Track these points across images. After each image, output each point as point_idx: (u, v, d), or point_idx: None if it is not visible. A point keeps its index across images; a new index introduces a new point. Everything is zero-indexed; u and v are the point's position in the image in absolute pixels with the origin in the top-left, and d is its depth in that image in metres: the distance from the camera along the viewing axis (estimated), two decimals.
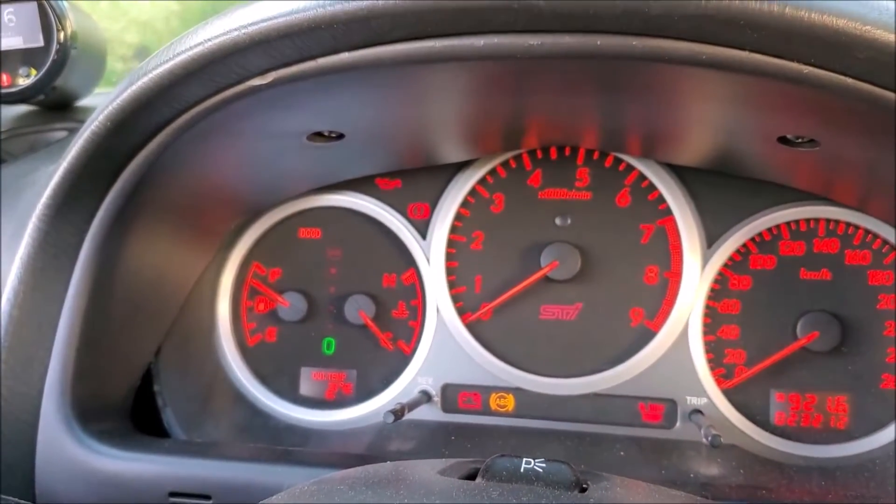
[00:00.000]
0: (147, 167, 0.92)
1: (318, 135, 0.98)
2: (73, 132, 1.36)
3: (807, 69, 0.70)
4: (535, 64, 0.75)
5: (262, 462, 0.94)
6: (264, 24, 0.74)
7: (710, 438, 1.02)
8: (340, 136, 0.99)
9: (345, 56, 0.75)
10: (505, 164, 1.21)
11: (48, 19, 1.23)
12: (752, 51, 0.69)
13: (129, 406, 1.09)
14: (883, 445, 1.11)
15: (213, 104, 0.83)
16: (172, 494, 0.92)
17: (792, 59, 0.69)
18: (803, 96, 0.74)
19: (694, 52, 0.70)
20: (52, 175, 0.92)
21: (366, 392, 1.25)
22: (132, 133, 0.88)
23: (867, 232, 1.13)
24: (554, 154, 1.20)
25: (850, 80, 0.70)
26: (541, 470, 0.70)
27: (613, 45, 0.70)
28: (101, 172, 0.92)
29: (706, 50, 0.70)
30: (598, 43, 0.70)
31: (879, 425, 1.12)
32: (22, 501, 0.81)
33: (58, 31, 1.23)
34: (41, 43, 1.25)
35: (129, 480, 0.93)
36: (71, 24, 1.25)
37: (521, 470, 0.70)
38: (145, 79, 0.82)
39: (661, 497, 0.75)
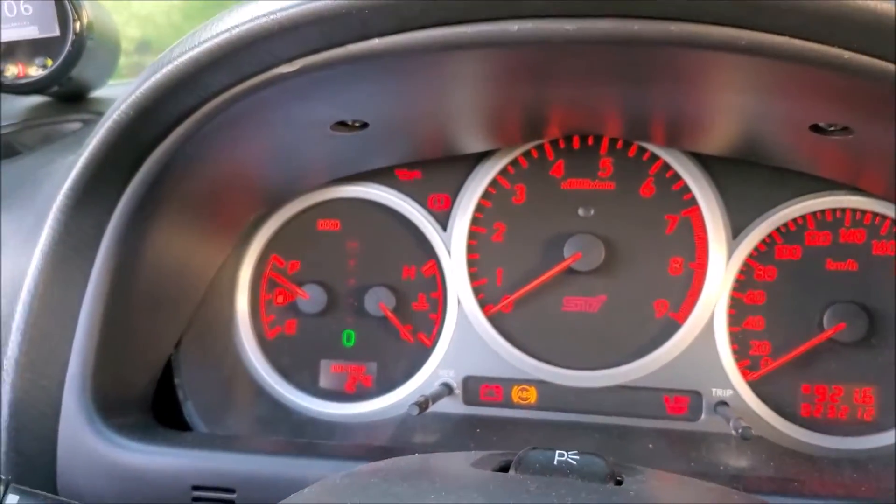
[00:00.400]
0: (169, 157, 0.90)
1: (342, 124, 0.97)
2: (87, 123, 1.36)
3: (848, 55, 0.68)
4: (570, 50, 0.74)
5: (287, 455, 0.93)
6: (293, 9, 0.73)
7: (740, 430, 1.01)
8: (364, 126, 0.98)
9: (374, 42, 0.74)
10: (526, 154, 1.19)
11: (65, 9, 1.22)
12: (792, 36, 0.68)
13: (150, 399, 1.08)
14: None
15: (238, 92, 0.82)
16: (196, 488, 0.91)
17: (833, 45, 0.68)
18: (841, 83, 0.73)
19: (733, 38, 0.68)
20: (71, 166, 0.91)
21: (386, 385, 1.24)
22: (155, 122, 0.87)
23: (894, 222, 1.11)
24: (576, 144, 1.18)
25: (892, 66, 0.68)
26: (574, 462, 0.69)
27: (651, 30, 0.69)
28: (123, 162, 0.91)
29: (745, 35, 0.68)
30: (636, 28, 0.69)
31: None
32: (63, 499, 0.80)
33: (74, 20, 1.23)
34: (57, 33, 1.24)
35: (152, 474, 0.92)
36: (87, 15, 1.24)
37: (555, 462, 0.69)
38: (170, 66, 0.81)
39: (697, 490, 0.74)
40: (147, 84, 0.82)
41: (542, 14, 0.70)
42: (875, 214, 1.12)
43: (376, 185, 1.23)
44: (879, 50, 0.68)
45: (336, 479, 0.71)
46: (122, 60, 1.48)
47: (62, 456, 0.94)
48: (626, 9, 0.68)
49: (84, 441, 0.94)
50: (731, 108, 0.94)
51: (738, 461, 1.07)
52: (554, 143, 1.19)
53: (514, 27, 0.71)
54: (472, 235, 1.21)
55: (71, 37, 1.23)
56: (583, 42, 0.71)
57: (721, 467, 1.05)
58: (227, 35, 0.76)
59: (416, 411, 1.06)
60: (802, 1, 0.65)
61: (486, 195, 1.20)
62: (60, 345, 0.95)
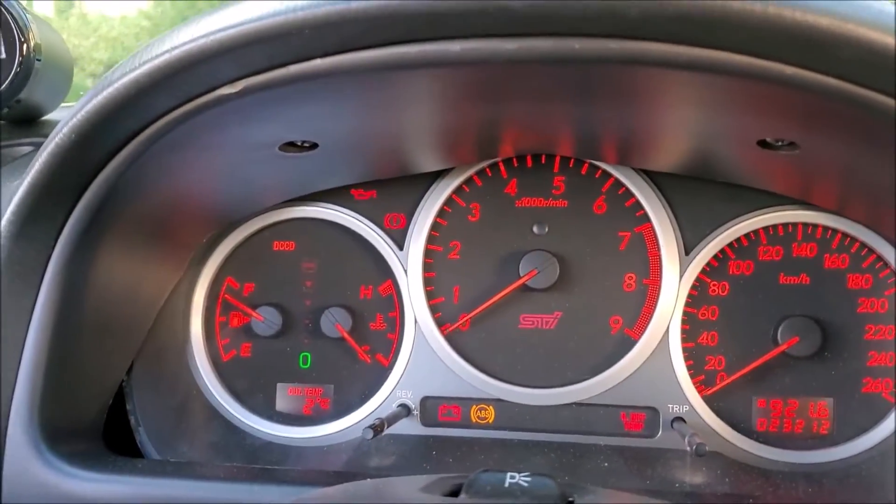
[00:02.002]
0: (114, 181, 0.89)
1: (292, 145, 0.96)
2: (38, 147, 1.33)
3: (790, 69, 0.69)
4: (512, 69, 0.74)
5: (239, 482, 0.91)
6: (233, 30, 0.72)
7: (694, 447, 1.01)
8: (314, 146, 0.97)
9: (317, 63, 0.73)
10: (481, 173, 1.19)
11: (10, 31, 1.20)
12: (731, 51, 0.68)
13: (101, 426, 1.05)
14: (867, 449, 1.11)
15: (181, 114, 0.81)
16: None
17: (775, 60, 0.68)
18: (786, 98, 0.73)
19: (673, 54, 0.69)
20: (15, 191, 0.89)
21: (344, 407, 1.22)
22: (98, 146, 0.85)
23: (845, 235, 1.13)
24: (530, 162, 1.19)
25: (833, 81, 0.69)
26: (525, 484, 0.69)
27: (591, 48, 0.69)
28: (67, 187, 0.89)
29: (686, 52, 0.69)
30: (576, 46, 0.69)
31: (862, 430, 1.12)
32: None
33: (21, 42, 1.20)
34: (2, 55, 1.22)
35: (102, 503, 0.90)
36: (34, 36, 1.22)
37: (506, 485, 0.69)
38: (110, 89, 0.79)
39: None
40: (88, 107, 0.81)
41: (483, 34, 0.69)
42: (826, 228, 1.13)
43: (332, 205, 1.23)
44: (820, 65, 0.68)
45: None
46: (90, 83, 1.46)
47: (8, 486, 0.92)
48: (565, 27, 0.68)
49: (31, 471, 0.92)
50: (678, 125, 0.94)
51: (694, 477, 1.07)
52: (508, 161, 1.19)
53: (456, 47, 0.70)
54: (428, 254, 1.21)
55: (17, 59, 1.21)
56: (525, 61, 0.71)
57: (676, 484, 1.04)
58: (166, 56, 0.75)
59: (370, 435, 1.05)
60: (741, 17, 0.66)
61: (441, 214, 1.20)
62: (6, 373, 0.93)
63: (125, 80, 0.78)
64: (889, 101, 0.69)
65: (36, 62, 1.23)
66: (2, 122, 1.38)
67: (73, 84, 1.46)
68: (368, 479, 0.79)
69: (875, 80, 0.68)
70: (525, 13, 0.67)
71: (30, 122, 1.40)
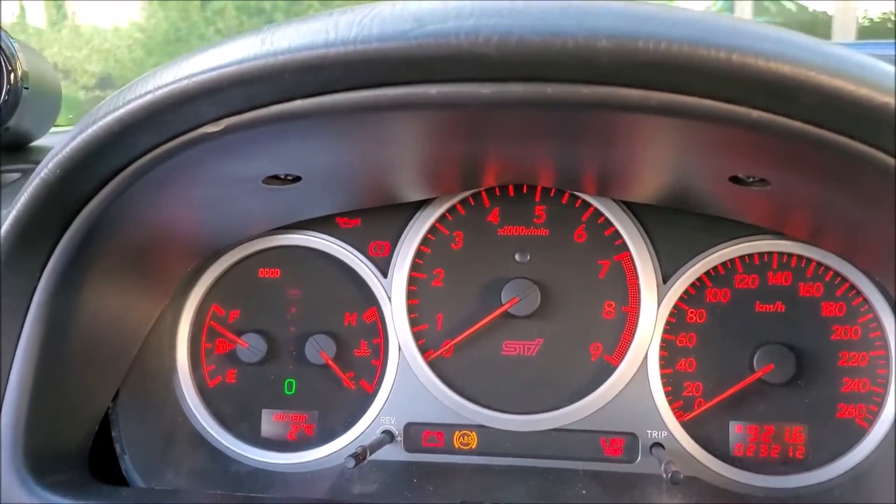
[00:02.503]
0: (99, 214, 0.90)
1: (275, 178, 0.98)
2: (25, 174, 1.34)
3: (756, 114, 0.71)
4: (489, 111, 0.76)
5: None
6: (215, 72, 0.73)
7: (670, 475, 1.03)
8: (297, 179, 0.99)
9: (297, 104, 0.75)
10: (464, 202, 1.21)
11: None
12: (701, 96, 0.71)
13: (87, 454, 1.06)
14: (840, 475, 1.13)
15: (164, 152, 0.82)
16: None
17: (741, 104, 0.70)
18: (753, 140, 0.76)
19: (643, 99, 0.71)
20: (1, 221, 0.90)
21: (328, 433, 1.24)
22: (83, 181, 0.86)
23: (819, 264, 1.15)
24: (512, 192, 1.20)
25: (797, 124, 0.71)
26: None
27: (563, 92, 0.71)
28: (52, 221, 0.90)
29: (655, 97, 0.71)
30: (549, 91, 0.71)
31: (837, 455, 1.14)
32: None
33: (8, 71, 1.22)
34: None
35: None
36: (21, 65, 1.23)
37: None
38: (94, 127, 0.81)
39: None
40: (73, 144, 0.82)
41: (460, 78, 0.71)
42: (801, 258, 1.16)
43: (317, 233, 1.24)
44: (784, 109, 0.71)
45: None
46: (83, 95, 1.48)
47: None
48: (538, 73, 0.70)
49: (16, 500, 0.93)
50: (653, 162, 0.97)
51: (671, 502, 1.09)
52: (490, 191, 1.21)
53: (432, 90, 0.72)
54: (412, 281, 1.22)
55: (5, 87, 1.22)
56: (500, 105, 0.73)
57: None
58: (150, 97, 0.77)
59: (352, 464, 1.06)
60: (707, 64, 0.68)
61: (425, 242, 1.22)
62: None
63: (109, 118, 0.80)
64: (855, 143, 0.72)
65: (24, 90, 1.24)
66: None
67: (64, 96, 1.48)
68: None
69: (838, 124, 0.70)
70: (500, 59, 0.68)
71: (18, 148, 1.42)
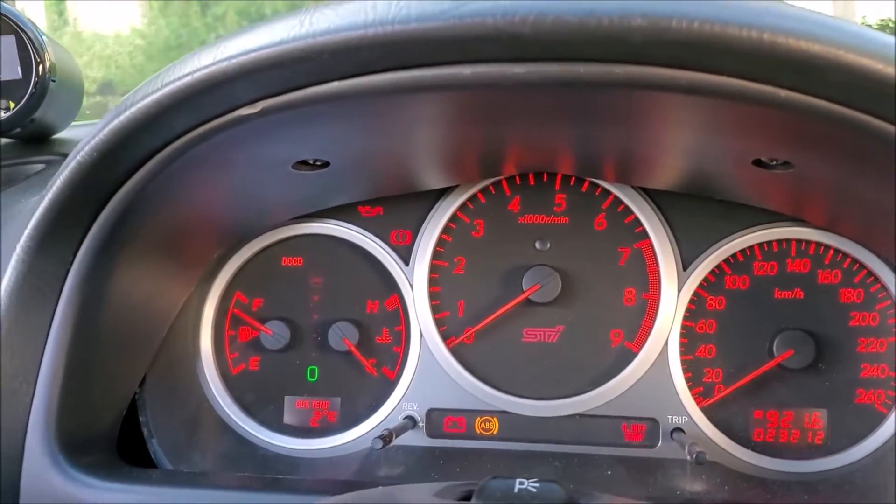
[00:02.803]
0: (133, 198, 0.92)
1: (304, 163, 0.99)
2: (50, 165, 1.36)
3: (784, 93, 0.72)
4: (521, 91, 0.77)
5: (251, 490, 0.93)
6: (254, 54, 0.75)
7: (694, 455, 1.04)
8: (325, 165, 1.00)
9: (334, 85, 0.76)
10: (485, 190, 1.23)
11: (27, 52, 1.23)
12: (729, 76, 0.72)
13: (115, 437, 1.08)
14: (860, 459, 1.14)
15: (200, 134, 0.84)
16: None
17: (769, 83, 0.72)
18: (780, 119, 0.77)
19: (674, 78, 0.72)
20: (34, 207, 0.92)
21: (351, 419, 1.25)
22: (118, 164, 0.88)
23: (837, 251, 1.16)
24: (532, 180, 1.22)
25: (824, 103, 0.72)
26: (534, 490, 0.71)
27: (596, 72, 0.72)
28: (86, 203, 0.92)
29: (686, 76, 0.72)
30: (581, 70, 0.72)
31: (856, 439, 1.16)
32: None
33: (37, 63, 1.24)
34: (19, 76, 1.25)
35: None
36: (50, 57, 1.25)
37: (515, 490, 0.72)
38: (133, 109, 0.82)
39: None
40: (111, 126, 0.84)
41: (494, 58, 0.73)
42: (819, 245, 1.17)
43: (339, 222, 1.26)
44: (811, 88, 0.72)
45: None
46: (85, 101, 1.49)
47: (26, 497, 0.94)
48: (571, 53, 0.72)
49: (49, 481, 0.94)
50: (676, 146, 0.98)
51: (694, 486, 1.10)
52: (511, 179, 1.22)
53: (467, 71, 0.74)
54: (433, 269, 1.24)
55: (34, 79, 1.24)
56: (532, 84, 0.74)
57: (677, 492, 1.07)
58: (189, 79, 0.78)
59: (379, 445, 1.08)
60: (737, 43, 0.69)
61: (446, 230, 1.23)
62: (24, 386, 0.95)
63: (148, 100, 0.81)
64: (880, 123, 0.73)
65: (51, 83, 1.26)
66: (13, 140, 1.41)
67: None
68: (380, 487, 0.82)
69: (865, 103, 0.72)
70: (533, 39, 0.70)
71: (41, 140, 1.43)
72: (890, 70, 0.69)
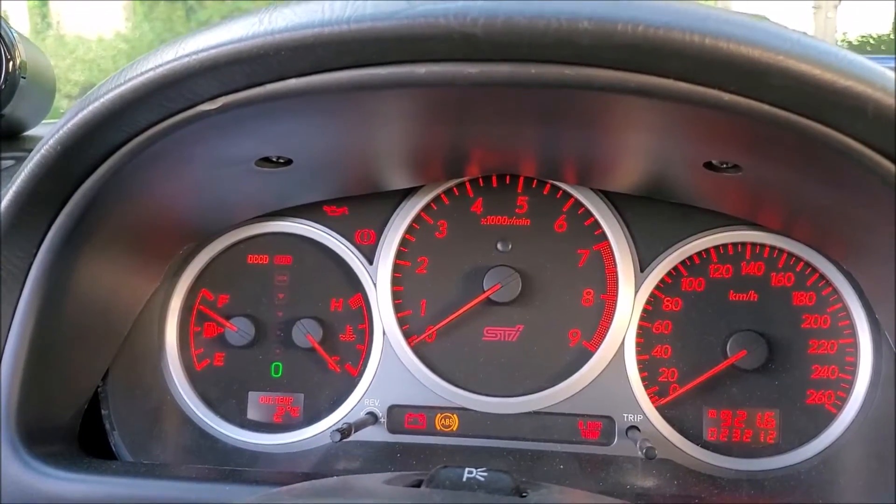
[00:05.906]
0: (96, 191, 0.93)
1: (267, 160, 1.01)
2: (19, 161, 1.37)
3: (727, 96, 0.75)
4: (474, 91, 0.79)
5: (209, 482, 0.95)
6: (214, 50, 0.77)
7: (644, 450, 1.06)
8: (289, 162, 1.02)
9: (292, 82, 0.78)
10: (448, 191, 1.25)
11: None
12: (676, 79, 0.75)
13: (77, 429, 1.09)
14: (810, 458, 1.17)
15: (163, 129, 0.85)
16: None
17: (713, 87, 0.75)
18: (726, 123, 0.80)
19: (623, 80, 0.74)
20: None
21: (313, 414, 1.27)
22: (82, 157, 0.89)
23: (791, 255, 1.19)
24: (495, 182, 1.24)
25: (766, 107, 0.75)
26: (482, 479, 0.73)
27: (547, 73, 0.74)
28: (50, 196, 0.93)
29: (634, 78, 0.75)
30: (533, 71, 0.75)
31: (806, 439, 1.18)
32: None
33: (6, 60, 1.24)
34: None
35: (77, 502, 0.94)
36: (20, 54, 1.26)
37: (464, 479, 0.74)
38: (97, 104, 0.84)
39: (596, 502, 0.79)
40: (75, 120, 0.85)
41: (447, 58, 0.75)
42: (773, 248, 1.20)
43: (305, 221, 1.28)
44: (754, 92, 0.74)
45: (253, 500, 0.74)
46: (66, 104, 1.50)
47: None
48: (523, 53, 0.74)
49: (7, 470, 0.94)
50: (631, 148, 1.01)
51: (645, 482, 1.12)
52: (474, 181, 1.25)
53: (421, 70, 0.76)
54: (397, 269, 1.26)
55: (3, 76, 1.24)
56: (486, 84, 0.76)
57: (628, 486, 1.10)
58: (151, 74, 0.80)
59: (337, 438, 1.09)
60: (682, 46, 0.72)
61: (410, 230, 1.26)
62: None
63: (111, 94, 0.83)
64: (821, 127, 0.76)
65: (21, 79, 1.27)
66: None
67: None
68: (334, 476, 0.83)
69: (806, 108, 0.74)
70: (485, 40, 0.72)
71: (11, 137, 1.44)
72: (829, 76, 0.71)
